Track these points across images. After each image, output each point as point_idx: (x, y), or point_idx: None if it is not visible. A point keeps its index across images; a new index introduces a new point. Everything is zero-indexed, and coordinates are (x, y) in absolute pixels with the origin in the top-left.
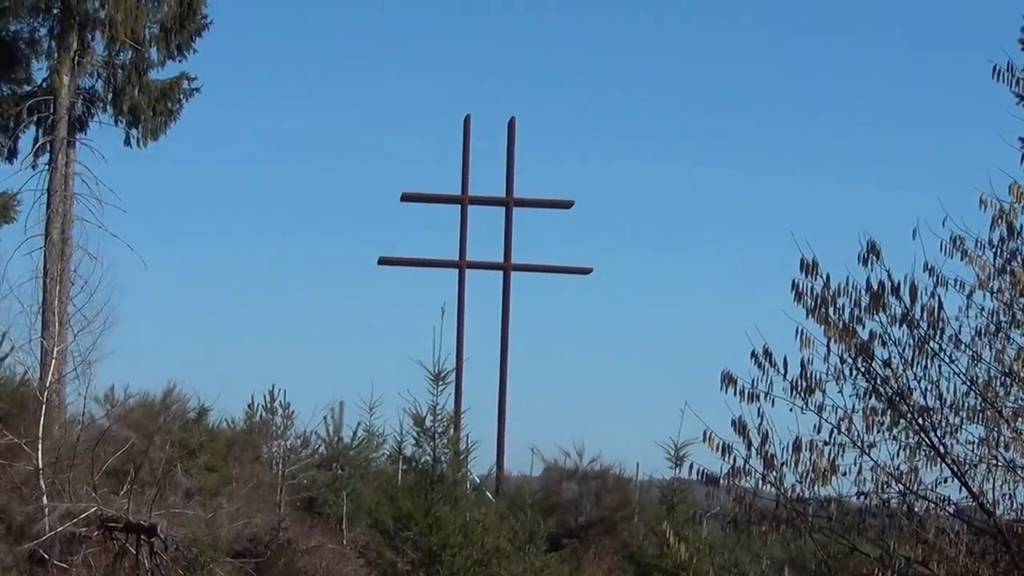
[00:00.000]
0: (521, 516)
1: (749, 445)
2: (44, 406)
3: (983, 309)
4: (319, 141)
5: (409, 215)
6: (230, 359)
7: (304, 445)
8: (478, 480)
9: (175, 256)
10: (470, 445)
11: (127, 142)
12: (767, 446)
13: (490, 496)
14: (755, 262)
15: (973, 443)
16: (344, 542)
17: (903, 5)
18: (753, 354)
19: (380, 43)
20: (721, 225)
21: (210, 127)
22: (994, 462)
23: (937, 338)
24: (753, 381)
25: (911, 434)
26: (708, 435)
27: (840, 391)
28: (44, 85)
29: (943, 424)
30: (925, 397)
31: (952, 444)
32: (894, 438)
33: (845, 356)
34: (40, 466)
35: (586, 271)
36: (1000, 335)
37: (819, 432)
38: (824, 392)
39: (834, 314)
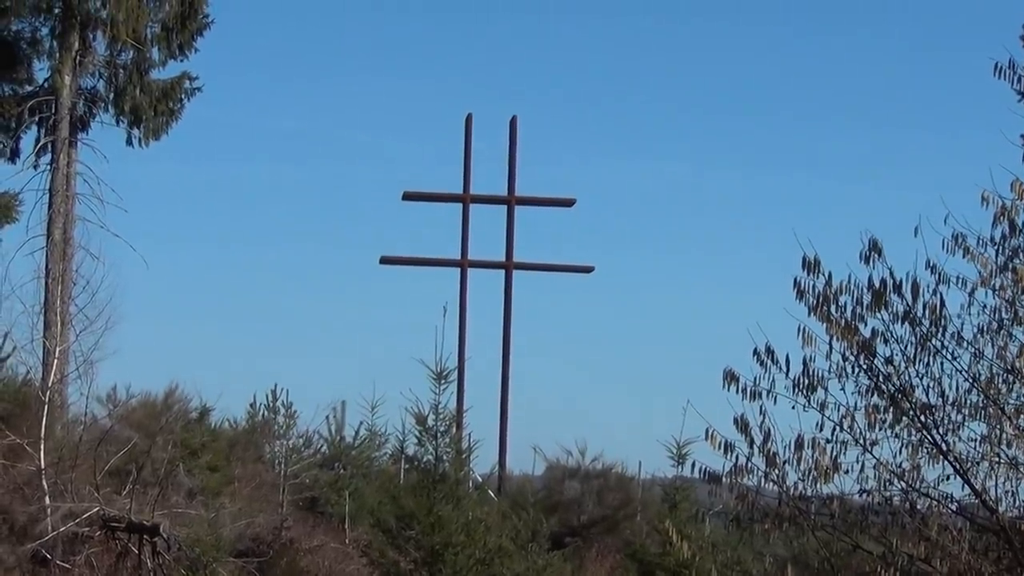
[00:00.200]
0: (523, 515)
1: (751, 443)
2: (46, 406)
3: (985, 306)
4: (321, 140)
5: (411, 214)
6: (232, 359)
7: (306, 445)
8: (480, 479)
9: (177, 256)
10: (472, 444)
11: (129, 142)
12: (769, 444)
13: (492, 495)
14: (756, 261)
15: (975, 440)
16: (346, 541)
17: (903, 5)
18: (755, 352)
19: (382, 43)
20: (722, 224)
21: (212, 127)
22: (996, 459)
23: (939, 335)
24: (755, 379)
25: (913, 431)
26: (710, 433)
27: (842, 389)
28: (46, 85)
29: (945, 421)
30: (927, 394)
31: (954, 441)
32: (896, 436)
33: (847, 354)
34: (42, 466)
35: (588, 270)
36: (1002, 332)
37: (821, 430)
38: (826, 390)
39: (836, 312)
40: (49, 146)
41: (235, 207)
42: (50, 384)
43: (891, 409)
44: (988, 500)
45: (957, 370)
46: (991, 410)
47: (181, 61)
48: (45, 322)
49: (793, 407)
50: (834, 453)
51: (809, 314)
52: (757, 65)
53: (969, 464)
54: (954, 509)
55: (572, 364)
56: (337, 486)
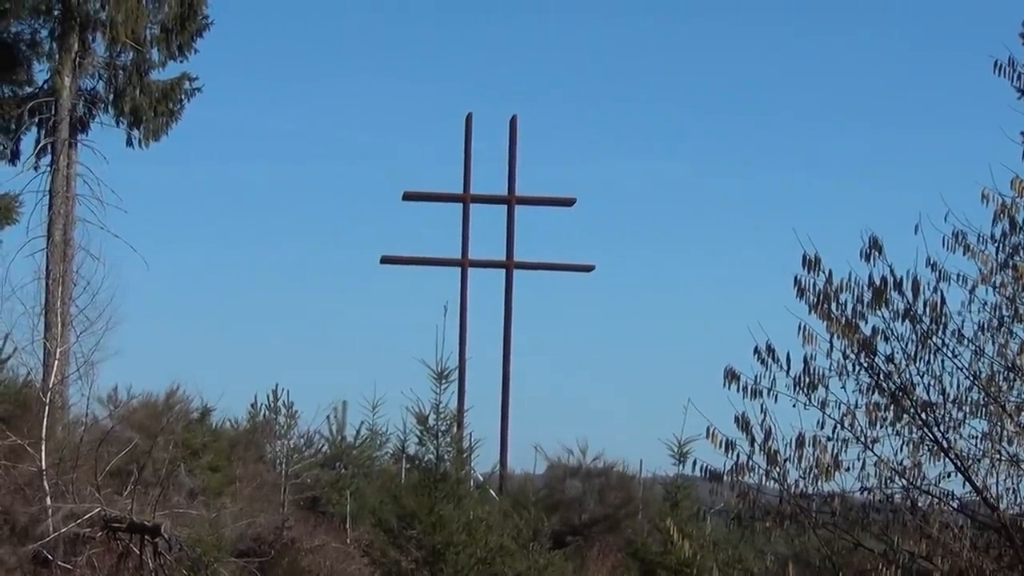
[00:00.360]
0: (525, 514)
1: (752, 441)
2: (47, 407)
3: (986, 304)
4: (321, 141)
5: (411, 214)
6: (233, 359)
7: (307, 444)
8: (481, 478)
9: (177, 256)
10: (473, 443)
11: (129, 143)
12: (770, 442)
13: (493, 494)
14: (757, 260)
15: (976, 438)
16: (348, 541)
17: (902, 4)
18: (756, 350)
19: (381, 43)
20: (722, 223)
21: (212, 127)
22: (997, 457)
23: (940, 333)
24: (756, 377)
25: (914, 429)
26: (711, 432)
27: (843, 387)
28: (45, 87)
29: (946, 419)
30: (928, 392)
31: (955, 439)
32: (897, 433)
33: (848, 352)
34: (43, 467)
35: (588, 268)
36: (1003, 329)
37: (822, 428)
38: (827, 388)
39: (836, 310)
40: (49, 147)
41: (235, 208)
42: (51, 385)
43: (892, 407)
44: (989, 497)
45: (958, 367)
46: (992, 407)
47: (181, 62)
48: (46, 323)
49: (794, 405)
50: (835, 451)
51: (810, 312)
52: (757, 65)
53: (970, 461)
54: (955, 506)
55: (573, 363)
56: (338, 486)
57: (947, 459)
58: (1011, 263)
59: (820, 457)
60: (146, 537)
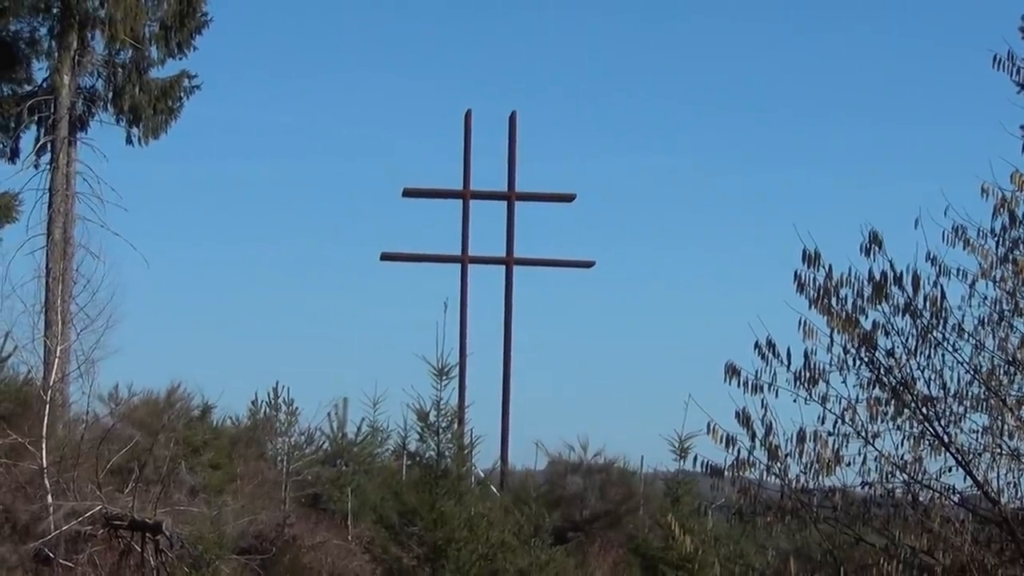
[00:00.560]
0: (526, 510)
1: (753, 436)
2: (48, 405)
3: (986, 298)
4: (320, 137)
5: (411, 211)
6: (233, 356)
7: (308, 442)
8: (482, 474)
9: (177, 254)
10: (474, 439)
11: (128, 140)
12: (771, 437)
13: (495, 490)
14: (757, 256)
15: (977, 432)
16: (349, 538)
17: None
18: (756, 345)
19: (381, 39)
20: (722, 219)
21: (211, 125)
22: (998, 450)
23: (940, 327)
24: (757, 372)
25: (915, 423)
26: (712, 427)
27: (844, 381)
28: (45, 85)
29: (947, 413)
30: (929, 386)
31: (956, 433)
32: (898, 428)
33: (848, 346)
34: (44, 465)
35: (588, 265)
36: (1003, 323)
37: (823, 423)
38: (827, 383)
39: (837, 304)
40: (49, 145)
41: (235, 205)
42: (51, 383)
43: (893, 401)
44: (990, 492)
45: (958, 362)
46: (992, 402)
47: (180, 59)
48: (46, 321)
49: (795, 400)
50: (836, 446)
51: (810, 307)
52: (757, 60)
53: (971, 456)
54: (956, 501)
55: (573, 359)
56: (339, 483)
57: (948, 453)
58: (1011, 257)
59: (821, 452)
60: (147, 535)
